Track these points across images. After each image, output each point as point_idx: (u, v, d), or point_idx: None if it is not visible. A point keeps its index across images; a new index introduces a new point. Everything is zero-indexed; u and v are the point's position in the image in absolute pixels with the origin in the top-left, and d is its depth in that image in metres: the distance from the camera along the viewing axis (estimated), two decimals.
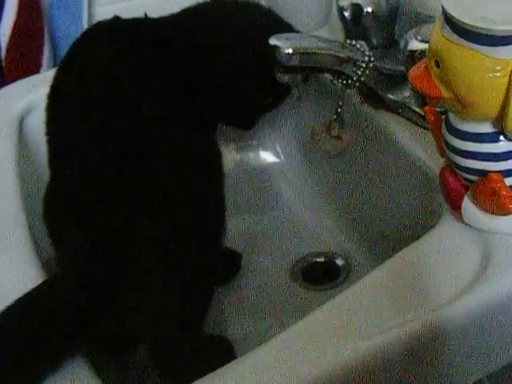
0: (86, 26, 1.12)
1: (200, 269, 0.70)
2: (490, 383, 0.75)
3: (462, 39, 0.56)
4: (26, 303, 0.61)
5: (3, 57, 1.05)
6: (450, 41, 0.57)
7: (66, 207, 0.69)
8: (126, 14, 0.81)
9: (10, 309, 0.60)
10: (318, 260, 0.92)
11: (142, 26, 0.80)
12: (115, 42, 0.77)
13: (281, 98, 0.88)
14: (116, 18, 0.79)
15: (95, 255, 0.64)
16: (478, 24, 0.54)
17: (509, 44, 0.55)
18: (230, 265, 0.90)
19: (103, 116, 0.71)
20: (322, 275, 0.91)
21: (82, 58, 0.77)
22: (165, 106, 0.74)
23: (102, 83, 0.73)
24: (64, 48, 1.08)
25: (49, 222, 0.70)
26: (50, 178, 0.72)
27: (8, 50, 1.05)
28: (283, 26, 0.85)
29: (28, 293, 0.62)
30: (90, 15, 1.13)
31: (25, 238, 0.73)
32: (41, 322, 0.61)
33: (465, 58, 0.56)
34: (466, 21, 0.55)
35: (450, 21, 0.56)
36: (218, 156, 0.78)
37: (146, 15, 0.81)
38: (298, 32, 0.85)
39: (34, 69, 1.07)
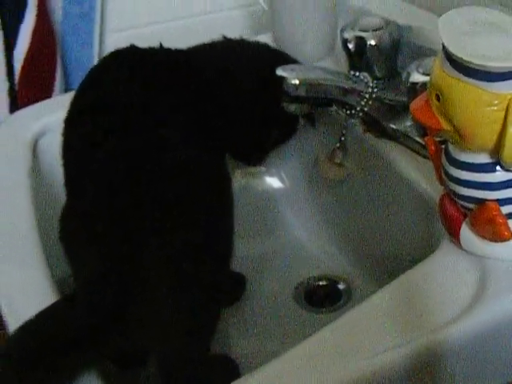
0: (97, 52, 1.13)
1: (209, 289, 0.71)
2: None
3: (461, 74, 0.57)
4: (41, 320, 0.63)
5: (17, 81, 1.06)
6: (449, 76, 0.58)
7: (80, 230, 0.70)
8: (136, 42, 0.83)
9: (27, 325, 0.62)
10: (321, 283, 0.93)
11: (158, 54, 0.82)
12: (131, 68, 0.79)
13: (287, 135, 0.89)
14: (133, 47, 0.82)
15: (107, 277, 0.66)
16: (475, 60, 0.56)
17: (506, 79, 0.56)
18: (235, 287, 0.91)
19: (117, 139, 0.72)
20: (324, 298, 0.91)
21: (98, 85, 0.78)
22: (177, 129, 0.75)
23: (117, 107, 0.75)
24: (75, 73, 1.11)
25: (65, 243, 0.71)
26: (66, 199, 0.74)
27: (22, 75, 1.06)
28: (290, 61, 0.87)
29: (43, 310, 0.64)
30: (101, 42, 1.14)
31: (38, 258, 0.74)
32: (55, 338, 0.62)
33: (464, 92, 0.58)
34: (464, 57, 0.56)
35: (449, 57, 0.58)
36: (227, 179, 0.79)
37: (161, 44, 0.83)
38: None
39: (46, 93, 1.08)
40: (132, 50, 0.81)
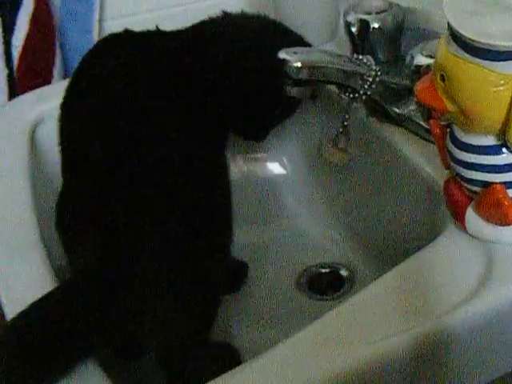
0: (96, 38, 1.12)
1: (207, 276, 0.71)
2: None
3: (467, 54, 0.57)
4: (38, 307, 0.62)
5: (16, 67, 1.05)
6: (455, 56, 0.57)
7: (76, 216, 0.69)
8: (136, 28, 0.82)
9: (24, 312, 0.61)
10: (323, 270, 0.93)
11: (153, 38, 0.81)
12: (124, 53, 0.78)
13: (291, 110, 0.89)
14: (127, 31, 0.81)
15: (103, 264, 0.65)
16: (483, 40, 0.55)
17: None
18: (236, 275, 0.91)
19: (113, 124, 0.71)
20: (326, 285, 0.91)
21: (92, 70, 0.77)
22: (175, 112, 0.74)
23: (112, 95, 0.74)
24: (74, 60, 1.09)
25: (60, 230, 0.71)
26: (62, 186, 0.73)
27: (20, 60, 1.05)
28: (293, 37, 0.86)
29: (40, 298, 0.63)
30: (101, 28, 1.14)
31: (37, 245, 0.74)
32: (52, 325, 0.62)
33: (470, 72, 0.57)
34: (471, 36, 0.55)
35: (455, 36, 0.57)
36: (225, 167, 0.79)
37: (157, 27, 0.82)
38: (307, 43, 0.86)
39: (45, 80, 1.07)
40: (126, 34, 0.80)
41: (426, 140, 0.79)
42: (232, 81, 0.80)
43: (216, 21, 0.84)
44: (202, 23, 0.84)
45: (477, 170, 0.61)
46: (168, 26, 0.84)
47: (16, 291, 0.69)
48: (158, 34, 0.82)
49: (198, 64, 0.78)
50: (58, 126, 0.76)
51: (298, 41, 0.85)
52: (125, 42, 0.80)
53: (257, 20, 0.85)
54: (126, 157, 0.70)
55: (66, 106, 0.77)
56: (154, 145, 0.71)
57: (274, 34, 0.84)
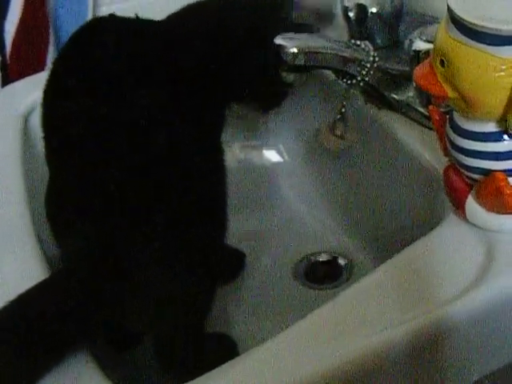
0: None
1: (202, 264, 0.70)
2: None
3: (467, 39, 0.56)
4: (29, 297, 0.61)
5: (8, 54, 1.05)
6: (455, 40, 0.57)
7: (64, 205, 0.68)
8: (130, 14, 0.80)
9: (15, 302, 0.61)
10: (321, 259, 0.92)
11: (142, 22, 0.79)
12: (111, 39, 0.76)
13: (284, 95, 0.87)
14: (112, 15, 0.79)
15: (97, 253, 0.64)
16: (484, 24, 0.54)
17: None
18: (233, 264, 0.91)
19: (98, 110, 0.69)
20: (324, 274, 0.91)
21: (77, 54, 0.75)
22: (166, 99, 0.72)
23: (98, 82, 0.72)
24: None
25: (50, 220, 0.70)
26: (49, 174, 0.71)
27: (13, 47, 1.05)
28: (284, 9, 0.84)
29: (31, 287, 0.62)
30: (95, 14, 1.13)
31: (29, 236, 0.73)
32: (43, 314, 0.61)
33: (470, 57, 0.56)
34: (472, 20, 0.55)
35: (455, 20, 0.56)
36: (219, 153, 0.78)
37: (137, 16, 0.80)
38: (307, 25, 0.85)
39: (38, 67, 1.07)
40: (111, 18, 0.78)
41: (425, 127, 0.78)
42: (226, 64, 0.78)
43: (212, 1, 0.82)
44: (198, 3, 0.82)
45: (477, 158, 0.61)
46: (162, 12, 0.82)
47: (7, 281, 0.68)
48: (147, 19, 0.81)
49: (189, 48, 0.77)
50: (41, 113, 0.74)
51: (299, 25, 0.84)
52: (111, 27, 0.78)
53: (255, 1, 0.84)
54: (116, 144, 0.68)
55: (51, 92, 0.75)
56: (144, 131, 0.69)
57: (273, 16, 0.82)
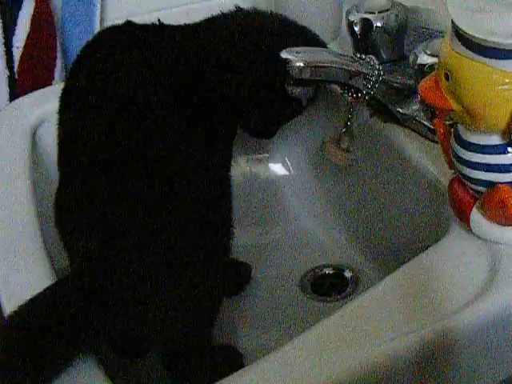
0: None
1: (208, 276, 0.70)
2: None
3: (471, 52, 0.56)
4: (36, 303, 0.62)
5: (16, 69, 1.05)
6: (459, 54, 0.57)
7: (73, 211, 0.69)
8: None
9: (22, 308, 0.61)
10: (327, 272, 0.92)
11: (157, 31, 0.80)
12: (127, 46, 0.77)
13: (295, 111, 0.88)
14: (128, 22, 0.80)
15: (103, 259, 0.65)
16: (488, 38, 0.55)
17: None
18: (239, 276, 0.91)
19: (110, 121, 0.70)
20: (330, 287, 0.91)
21: (93, 63, 0.76)
22: (178, 110, 0.73)
23: (109, 90, 0.73)
24: None
25: (59, 227, 0.70)
26: (58, 183, 0.72)
27: (21, 62, 1.05)
28: (304, 36, 0.85)
29: (38, 293, 0.63)
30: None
31: (38, 246, 0.74)
32: (50, 320, 0.61)
33: (474, 70, 0.57)
34: (475, 35, 0.55)
35: (459, 34, 0.57)
36: (226, 165, 0.79)
37: (159, 21, 0.81)
38: (319, 38, 0.85)
39: (46, 81, 1.07)
40: (128, 26, 0.79)
41: (429, 140, 0.78)
42: (237, 79, 0.79)
43: (227, 17, 0.83)
44: (214, 18, 0.83)
45: (481, 170, 0.61)
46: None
47: (17, 291, 0.68)
48: (162, 27, 0.81)
49: (203, 60, 0.78)
50: (57, 120, 0.75)
51: (311, 40, 0.85)
52: (127, 34, 0.79)
53: (269, 17, 0.84)
54: (127, 153, 0.69)
55: (64, 101, 0.76)
56: (153, 139, 0.70)
57: (286, 32, 0.83)
